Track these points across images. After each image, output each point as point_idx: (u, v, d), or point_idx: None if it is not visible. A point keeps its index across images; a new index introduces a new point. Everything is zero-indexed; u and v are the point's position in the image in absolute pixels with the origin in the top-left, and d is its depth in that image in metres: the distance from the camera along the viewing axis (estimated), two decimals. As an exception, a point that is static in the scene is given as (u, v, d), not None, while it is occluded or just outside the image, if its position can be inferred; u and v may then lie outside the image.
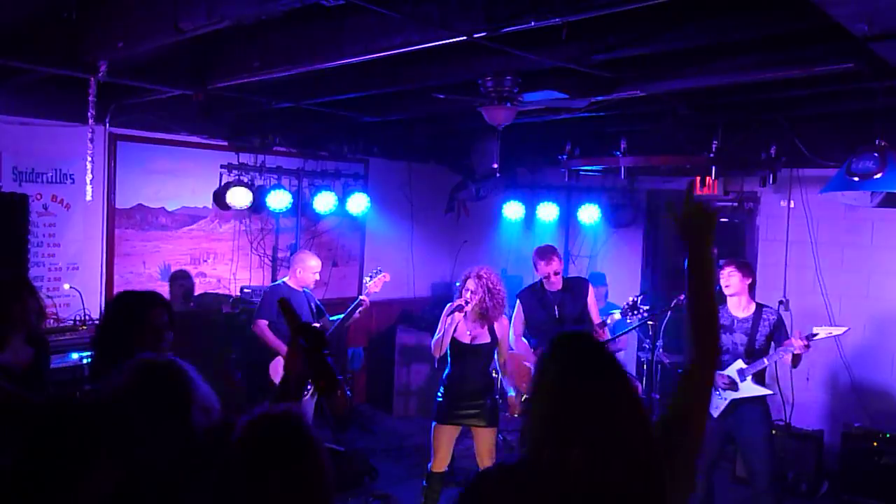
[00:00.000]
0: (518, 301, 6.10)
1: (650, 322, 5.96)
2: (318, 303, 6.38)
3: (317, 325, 6.10)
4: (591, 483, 1.80)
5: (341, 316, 6.19)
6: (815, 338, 5.14)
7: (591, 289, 6.09)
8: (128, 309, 3.22)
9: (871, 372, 6.93)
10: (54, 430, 1.94)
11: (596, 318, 5.98)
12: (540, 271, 5.95)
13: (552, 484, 1.83)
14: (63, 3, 4.25)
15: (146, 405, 2.12)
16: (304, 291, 6.07)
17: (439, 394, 5.42)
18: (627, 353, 7.84)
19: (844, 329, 5.38)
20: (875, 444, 6.35)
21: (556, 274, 5.93)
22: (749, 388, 5.25)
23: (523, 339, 6.07)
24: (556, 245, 8.70)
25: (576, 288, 6.02)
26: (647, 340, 6.32)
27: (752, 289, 5.45)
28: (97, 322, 3.45)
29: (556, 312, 5.89)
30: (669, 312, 5.83)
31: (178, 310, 7.03)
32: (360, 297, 6.16)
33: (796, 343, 5.08)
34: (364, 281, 6.23)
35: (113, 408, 2.04)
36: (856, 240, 7.00)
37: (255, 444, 1.84)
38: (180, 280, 7.11)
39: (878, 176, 5.34)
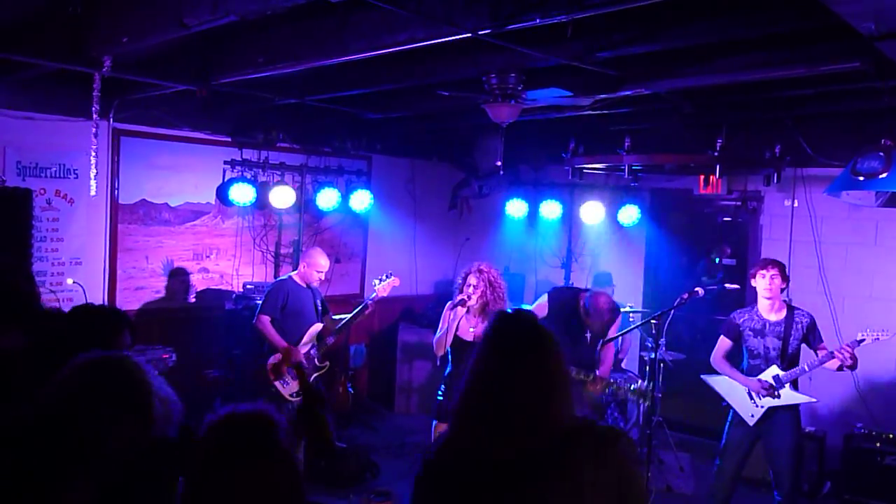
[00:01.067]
0: (547, 296, 5.85)
1: (653, 321, 5.93)
2: (323, 300, 6.36)
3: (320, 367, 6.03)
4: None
5: (346, 317, 6.16)
6: (862, 344, 5.02)
7: (618, 321, 5.74)
8: (93, 334, 3.03)
9: (875, 373, 6.91)
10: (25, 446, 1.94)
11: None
12: (584, 314, 5.56)
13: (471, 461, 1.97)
14: (67, -2, 4.26)
15: (108, 400, 2.09)
16: (309, 288, 6.03)
17: (440, 392, 5.42)
18: (631, 351, 7.84)
19: (891, 335, 5.11)
20: (878, 444, 6.35)
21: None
22: (789, 396, 5.14)
23: None
24: (561, 245, 8.75)
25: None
26: (650, 339, 6.32)
27: (783, 292, 5.36)
28: (51, 329, 3.31)
29: (582, 343, 5.63)
30: (672, 311, 5.81)
31: (178, 304, 7.08)
32: (367, 301, 6.11)
33: (841, 351, 4.95)
34: (373, 283, 6.18)
35: (79, 415, 2.02)
36: (860, 239, 6.99)
37: (221, 442, 1.87)
38: (181, 276, 7.12)
39: (884, 175, 5.33)
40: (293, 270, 6.31)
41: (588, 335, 5.66)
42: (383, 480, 6.60)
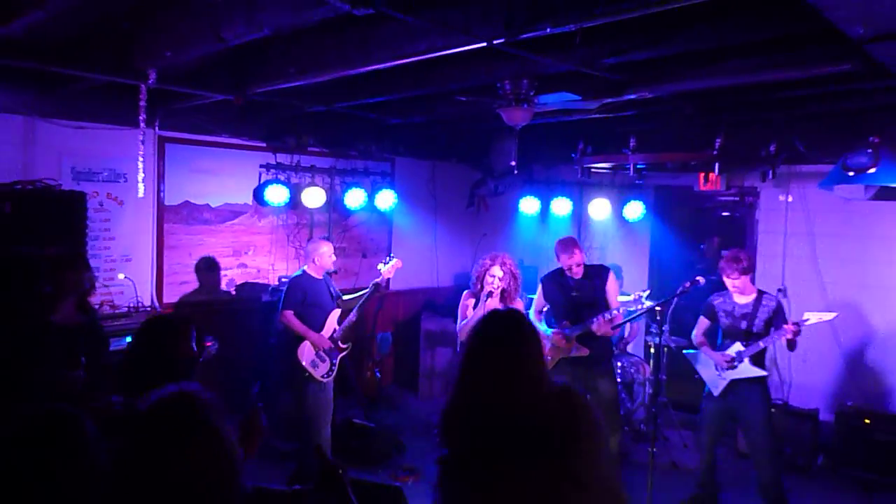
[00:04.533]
0: (540, 283, 6.03)
1: (657, 308, 5.90)
2: (335, 288, 6.26)
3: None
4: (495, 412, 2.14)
5: (358, 294, 6.13)
6: (805, 323, 5.08)
7: (611, 276, 5.90)
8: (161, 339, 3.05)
9: (865, 354, 6.86)
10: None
11: (613, 304, 5.78)
12: (562, 263, 5.78)
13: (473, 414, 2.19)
14: (115, 16, 4.28)
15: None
16: (323, 279, 6.02)
17: None
18: (636, 337, 7.80)
19: (834, 315, 5.29)
20: (868, 421, 6.30)
21: (577, 266, 5.75)
22: (746, 370, 5.23)
23: (541, 314, 6.04)
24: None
25: (595, 275, 5.84)
26: (655, 325, 6.29)
27: (752, 277, 5.40)
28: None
29: (573, 296, 5.77)
30: (675, 299, 5.78)
31: (220, 297, 7.12)
32: (373, 283, 6.03)
33: (789, 329, 5.03)
34: (378, 267, 6.15)
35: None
36: (851, 231, 6.92)
37: (155, 418, 1.85)
38: (216, 271, 7.15)
39: (872, 170, 5.30)
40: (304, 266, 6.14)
41: (575, 293, 5.78)
42: (409, 457, 6.62)
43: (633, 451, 6.80)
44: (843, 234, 6.97)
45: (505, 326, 2.37)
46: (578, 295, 5.77)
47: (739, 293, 5.29)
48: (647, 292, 5.66)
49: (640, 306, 5.63)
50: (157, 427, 1.83)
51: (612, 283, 5.86)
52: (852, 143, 5.46)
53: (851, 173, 5.39)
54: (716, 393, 5.36)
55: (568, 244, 5.84)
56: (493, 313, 2.45)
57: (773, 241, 7.34)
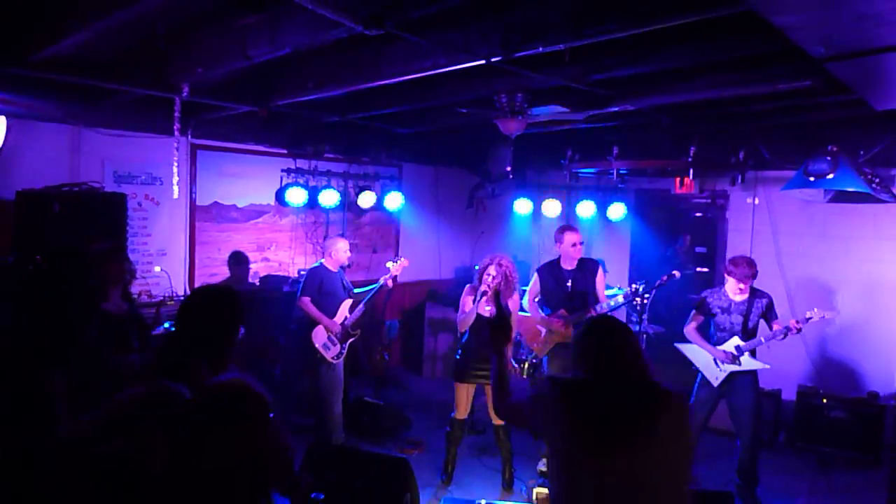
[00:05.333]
0: (536, 273, 5.96)
1: (637, 299, 5.89)
2: (348, 282, 6.28)
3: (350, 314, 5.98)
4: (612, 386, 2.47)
5: (368, 288, 6.14)
6: (809, 320, 5.00)
7: (599, 269, 5.87)
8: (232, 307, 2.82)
9: (822, 341, 6.86)
10: None
11: (601, 295, 5.76)
12: (566, 241, 5.72)
13: (595, 387, 2.49)
14: (153, 37, 4.28)
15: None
16: (337, 272, 6.02)
17: (457, 355, 5.44)
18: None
19: (835, 313, 5.20)
20: (824, 400, 6.31)
21: (580, 243, 5.72)
22: (748, 363, 5.12)
23: (535, 302, 6.01)
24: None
25: (586, 267, 5.80)
26: (635, 315, 6.28)
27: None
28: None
29: (568, 287, 5.75)
30: (654, 291, 5.77)
31: (245, 287, 7.12)
32: (385, 278, 6.07)
33: (793, 325, 4.93)
34: (387, 265, 6.16)
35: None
36: (811, 231, 6.91)
37: (211, 400, 1.84)
38: (244, 264, 7.15)
39: (830, 176, 5.29)
40: (321, 259, 6.17)
41: (569, 283, 5.74)
42: (414, 432, 6.62)
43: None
44: (804, 232, 6.96)
45: (609, 332, 2.62)
46: (572, 285, 5.74)
47: (739, 293, 5.19)
48: (643, 286, 5.62)
49: (637, 298, 5.63)
50: (209, 411, 1.81)
51: (600, 276, 5.83)
52: (813, 151, 5.44)
53: (812, 178, 5.37)
54: (715, 384, 5.20)
55: (569, 226, 5.85)
56: (596, 321, 2.69)
57: (741, 239, 7.33)
